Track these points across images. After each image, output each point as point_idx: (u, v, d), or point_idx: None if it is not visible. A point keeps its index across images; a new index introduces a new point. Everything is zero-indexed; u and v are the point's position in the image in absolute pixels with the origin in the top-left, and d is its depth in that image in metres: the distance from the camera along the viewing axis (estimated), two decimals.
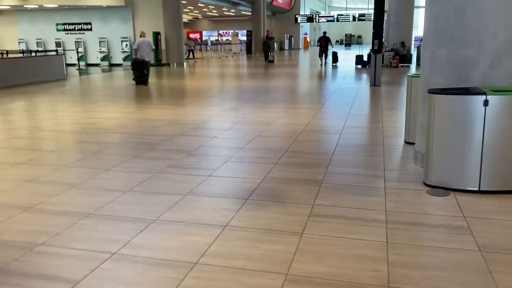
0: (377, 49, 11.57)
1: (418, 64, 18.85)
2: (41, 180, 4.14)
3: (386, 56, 17.59)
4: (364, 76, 14.91)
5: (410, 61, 18.67)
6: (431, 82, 4.06)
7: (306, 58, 28.11)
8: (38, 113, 8.23)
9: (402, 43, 18.27)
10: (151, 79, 14.57)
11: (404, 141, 5.40)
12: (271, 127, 6.45)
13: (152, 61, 21.36)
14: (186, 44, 29.62)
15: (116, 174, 4.30)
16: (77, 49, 21.09)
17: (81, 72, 19.21)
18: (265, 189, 3.78)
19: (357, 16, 41.24)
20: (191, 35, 44.07)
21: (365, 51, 21.91)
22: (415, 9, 20.08)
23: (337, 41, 54.63)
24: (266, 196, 3.59)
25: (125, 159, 4.80)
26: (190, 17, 48.57)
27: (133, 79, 12.71)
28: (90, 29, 23.36)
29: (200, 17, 49.42)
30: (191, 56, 27.18)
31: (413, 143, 4.89)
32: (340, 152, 4.97)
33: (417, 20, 20.69)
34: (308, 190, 3.70)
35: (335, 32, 54.14)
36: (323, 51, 20.53)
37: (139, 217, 3.22)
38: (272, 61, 23.50)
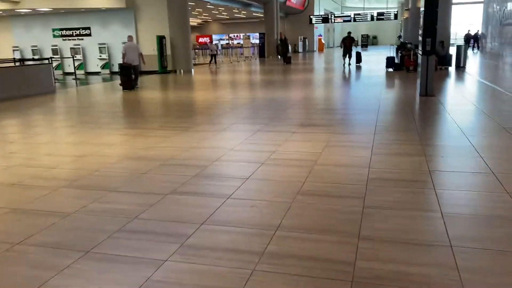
0: (430, 50, 9.19)
1: (458, 66, 16.43)
2: None
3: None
4: (401, 82, 12.53)
5: (449, 63, 16.19)
6: None
7: (325, 61, 25.73)
8: None
9: (442, 43, 15.79)
10: (152, 89, 12.41)
11: None
12: (315, 173, 4.15)
13: (157, 68, 19.41)
14: (208, 49, 27.24)
15: None
16: (73, 57, 19.02)
17: (79, 82, 17.16)
18: None
19: (375, 15, 38.82)
20: (200, 39, 42.06)
21: (389, 52, 19.56)
22: (452, 6, 17.53)
23: None
24: None
25: (63, 263, 2.54)
26: (199, 20, 46.59)
27: (120, 84, 12.56)
28: (89, 35, 21.32)
29: (210, 20, 47.39)
30: (213, 61, 24.03)
31: None
32: (465, 233, 2.65)
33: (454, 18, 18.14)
34: None
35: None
36: (348, 51, 19.02)
37: None
38: (289, 62, 22.64)
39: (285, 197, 3.55)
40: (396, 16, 38.50)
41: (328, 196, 3.55)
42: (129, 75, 12.34)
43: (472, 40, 30.05)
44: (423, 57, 9.29)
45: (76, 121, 7.76)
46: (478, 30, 30.18)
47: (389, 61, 16.60)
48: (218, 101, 9.73)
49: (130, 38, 13.13)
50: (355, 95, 10.19)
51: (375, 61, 22.78)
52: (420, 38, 10.03)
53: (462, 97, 9.44)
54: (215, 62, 23.73)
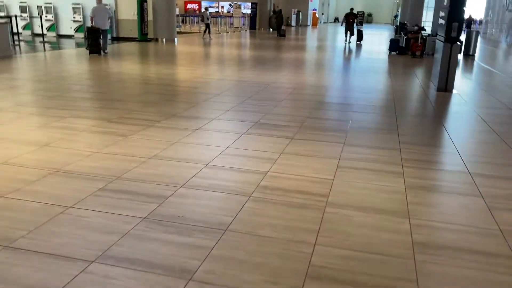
0: (455, 37, 7.70)
1: (466, 53, 15.03)
2: None
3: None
4: (409, 70, 11.07)
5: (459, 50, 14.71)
6: None
7: (322, 37, 24.00)
8: None
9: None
10: (124, 61, 10.70)
11: None
12: (329, 224, 2.71)
13: (136, 35, 17.50)
14: (197, 16, 24.70)
15: None
16: (40, 16, 16.96)
17: (49, 45, 15.24)
18: None
19: None
20: (189, 5, 39.62)
21: (387, 31, 18.08)
22: None
23: None
24: None
25: None
26: None
27: (86, 48, 12.19)
28: None
29: None
30: (207, 30, 20.37)
31: None
32: None
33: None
34: None
35: (344, 9, 49.40)
36: (349, 28, 18.36)
37: None
38: (284, 35, 22.20)
39: (287, 284, 2.10)
40: None
41: (357, 287, 2.12)
42: (96, 39, 11.89)
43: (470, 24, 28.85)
44: (446, 45, 7.81)
45: (12, 101, 6.10)
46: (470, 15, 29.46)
47: (393, 44, 15.09)
48: (198, 83, 8.14)
49: (99, 0, 12.55)
50: (362, 85, 8.67)
51: (374, 41, 21.21)
52: (440, 21, 8.52)
53: (487, 94, 8.03)
54: (206, 31, 21.00)
